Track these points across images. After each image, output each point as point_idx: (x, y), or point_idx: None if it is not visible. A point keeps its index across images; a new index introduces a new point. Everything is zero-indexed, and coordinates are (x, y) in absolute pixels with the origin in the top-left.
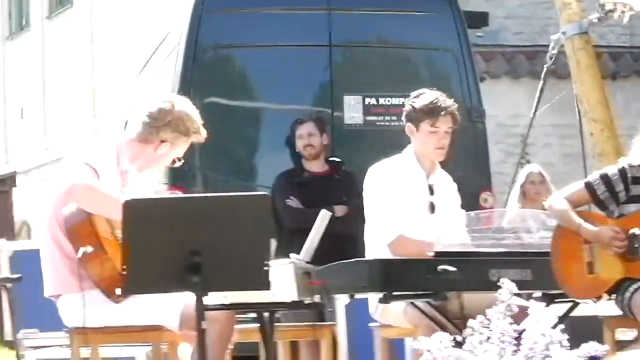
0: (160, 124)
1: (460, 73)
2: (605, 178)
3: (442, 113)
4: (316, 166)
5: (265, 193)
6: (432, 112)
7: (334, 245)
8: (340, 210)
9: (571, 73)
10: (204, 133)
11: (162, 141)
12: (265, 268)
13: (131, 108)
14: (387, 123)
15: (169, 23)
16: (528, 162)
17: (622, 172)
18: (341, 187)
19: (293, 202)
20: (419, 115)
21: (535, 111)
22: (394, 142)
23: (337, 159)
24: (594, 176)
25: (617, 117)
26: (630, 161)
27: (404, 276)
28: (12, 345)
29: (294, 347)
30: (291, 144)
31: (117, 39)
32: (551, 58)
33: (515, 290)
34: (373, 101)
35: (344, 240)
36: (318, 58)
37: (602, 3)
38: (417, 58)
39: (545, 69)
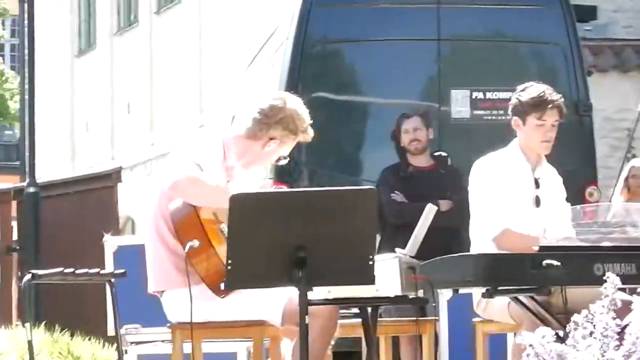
0: (271, 121)
1: (568, 67)
2: None
3: (549, 106)
4: (421, 161)
5: (372, 187)
6: (539, 105)
7: (438, 240)
8: (445, 205)
9: None
10: (311, 133)
11: (271, 138)
12: (371, 263)
13: (239, 103)
14: (494, 117)
15: (277, 18)
16: (634, 156)
17: None
18: (446, 181)
19: (397, 196)
20: (525, 109)
21: None
22: (501, 137)
23: (443, 154)
24: None
25: None
26: None
27: (508, 271)
28: (114, 340)
29: (395, 341)
30: (396, 138)
31: (225, 34)
32: None
33: (620, 284)
34: (480, 95)
35: (449, 235)
36: (426, 52)
37: None
38: (525, 52)
39: None
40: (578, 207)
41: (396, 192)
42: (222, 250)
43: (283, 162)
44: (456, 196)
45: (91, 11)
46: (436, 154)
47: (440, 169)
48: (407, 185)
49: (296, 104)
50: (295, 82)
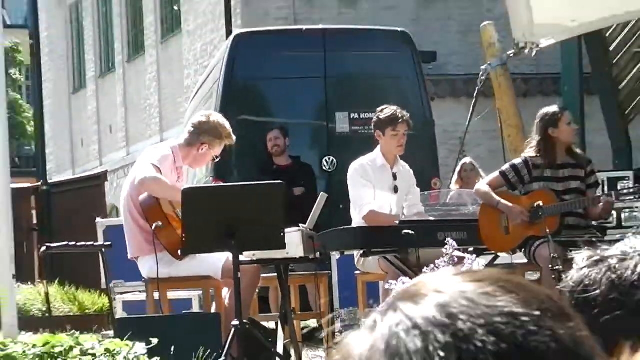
0: (200, 131)
1: (417, 95)
2: (513, 167)
3: (400, 121)
4: (281, 160)
5: (281, 182)
6: (392, 120)
7: (294, 216)
8: (298, 190)
9: (495, 93)
10: (234, 137)
11: (202, 144)
12: (282, 234)
13: (186, 122)
14: (366, 131)
15: (213, 62)
16: (465, 156)
17: (525, 161)
18: (299, 174)
19: None
20: (384, 124)
21: (470, 121)
22: (372, 145)
23: (296, 155)
24: (505, 166)
25: (526, 124)
26: (529, 154)
27: (378, 238)
28: (105, 292)
29: (302, 289)
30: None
31: (176, 74)
32: (481, 82)
33: (456, 246)
34: (356, 115)
35: (303, 211)
36: (316, 86)
37: (517, 42)
38: (387, 84)
39: (476, 91)
40: (426, 193)
41: None
42: (178, 227)
43: (217, 160)
44: (307, 184)
45: (81, 56)
46: (295, 156)
47: (295, 165)
48: (273, 178)
49: (217, 118)
50: (224, 108)
